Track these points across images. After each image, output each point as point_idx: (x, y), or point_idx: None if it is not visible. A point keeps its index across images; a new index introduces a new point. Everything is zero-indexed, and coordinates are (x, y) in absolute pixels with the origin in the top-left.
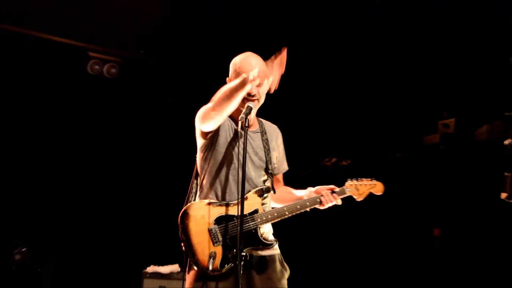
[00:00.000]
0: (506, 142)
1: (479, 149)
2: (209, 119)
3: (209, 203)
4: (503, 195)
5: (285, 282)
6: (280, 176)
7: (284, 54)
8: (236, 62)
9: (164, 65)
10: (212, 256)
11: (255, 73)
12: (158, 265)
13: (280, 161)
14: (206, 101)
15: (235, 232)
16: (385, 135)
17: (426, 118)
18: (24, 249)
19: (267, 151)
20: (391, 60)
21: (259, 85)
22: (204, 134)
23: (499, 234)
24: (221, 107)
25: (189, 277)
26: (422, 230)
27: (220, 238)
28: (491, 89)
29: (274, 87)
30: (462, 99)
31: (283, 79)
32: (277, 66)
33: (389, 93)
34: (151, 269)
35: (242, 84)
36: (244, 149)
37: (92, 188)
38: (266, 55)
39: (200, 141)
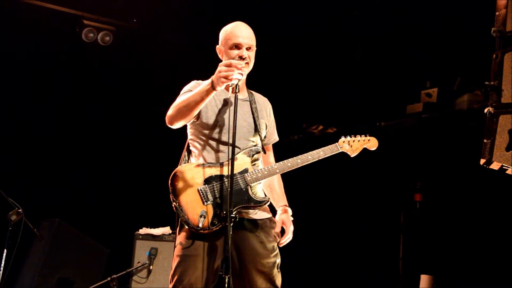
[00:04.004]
0: (486, 110)
1: (460, 118)
2: (176, 124)
3: (198, 165)
4: (482, 161)
5: (276, 246)
6: (270, 147)
7: None
8: (227, 30)
9: (156, 33)
10: (203, 215)
11: (219, 74)
12: (150, 227)
13: (270, 132)
14: (198, 69)
15: (225, 191)
16: (370, 104)
17: (409, 87)
18: (20, 210)
19: (256, 117)
20: (375, 32)
21: (249, 49)
22: None
23: (479, 198)
24: (181, 118)
25: (180, 236)
26: (404, 196)
27: (210, 197)
28: (472, 60)
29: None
30: (445, 69)
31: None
32: None
33: (374, 63)
34: (143, 231)
35: (208, 92)
36: (235, 112)
37: (86, 153)
38: None
39: None
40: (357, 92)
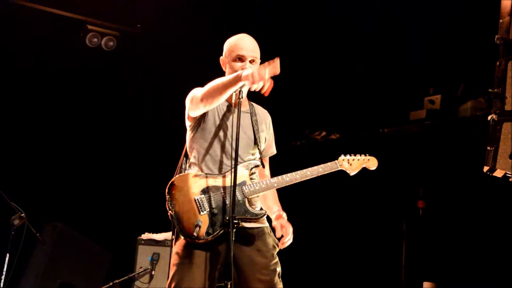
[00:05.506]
0: (489, 117)
1: (463, 125)
2: (197, 108)
3: (196, 175)
4: (485, 168)
5: (275, 254)
6: (266, 159)
7: (276, 63)
8: (231, 42)
9: (160, 39)
10: (198, 224)
11: (249, 71)
12: (153, 233)
13: (268, 144)
14: (201, 74)
15: (222, 202)
16: (373, 110)
17: (412, 94)
18: (22, 214)
19: (256, 130)
20: (379, 37)
21: (252, 62)
22: (191, 117)
23: (482, 205)
24: (210, 100)
25: (177, 245)
26: (407, 203)
27: (207, 207)
28: (476, 67)
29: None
30: (448, 76)
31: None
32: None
33: (377, 69)
34: (145, 236)
35: (236, 81)
36: (238, 120)
37: (89, 158)
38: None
39: (188, 121)
40: (360, 99)
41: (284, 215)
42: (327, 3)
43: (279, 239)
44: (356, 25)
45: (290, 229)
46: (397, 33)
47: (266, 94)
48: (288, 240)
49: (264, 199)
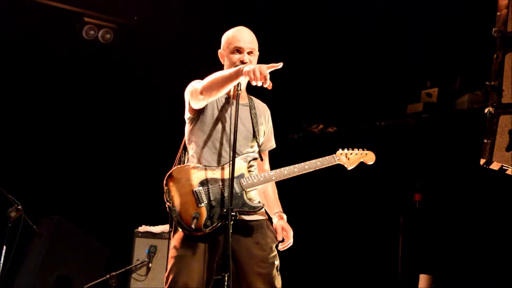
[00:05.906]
0: (486, 110)
1: (460, 118)
2: (197, 101)
3: (194, 167)
4: (482, 161)
5: (274, 247)
6: (266, 153)
7: (279, 66)
8: (229, 35)
9: (157, 31)
10: (196, 216)
11: (251, 67)
12: (150, 225)
13: (267, 138)
14: (198, 68)
15: (220, 194)
16: (370, 103)
17: (410, 87)
18: (19, 207)
19: (255, 123)
20: (375, 31)
21: (250, 54)
22: (192, 109)
23: (478, 198)
24: (210, 92)
25: (175, 238)
26: (404, 196)
27: (205, 199)
28: (473, 60)
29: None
30: (445, 69)
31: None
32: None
33: (375, 63)
34: (142, 228)
35: (237, 75)
36: (236, 111)
37: (86, 150)
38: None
39: (188, 113)
40: (358, 92)
41: (285, 217)
42: (327, 3)
43: (279, 241)
44: (356, 23)
45: (291, 232)
46: (397, 30)
47: (270, 88)
48: (289, 244)
49: (265, 197)
